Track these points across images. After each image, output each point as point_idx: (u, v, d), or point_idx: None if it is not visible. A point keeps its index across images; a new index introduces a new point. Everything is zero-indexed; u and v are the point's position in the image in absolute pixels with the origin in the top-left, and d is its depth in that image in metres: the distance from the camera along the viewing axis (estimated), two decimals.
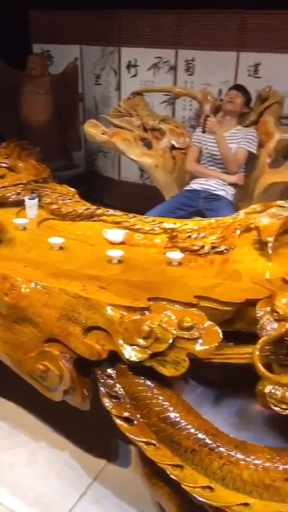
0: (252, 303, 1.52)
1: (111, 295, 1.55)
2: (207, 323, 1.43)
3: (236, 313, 1.54)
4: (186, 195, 3.10)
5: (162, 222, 2.20)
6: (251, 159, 3.17)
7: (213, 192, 3.04)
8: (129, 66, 4.09)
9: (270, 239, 1.86)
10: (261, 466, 1.32)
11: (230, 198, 3.07)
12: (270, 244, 1.86)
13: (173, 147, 3.35)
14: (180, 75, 3.90)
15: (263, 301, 1.46)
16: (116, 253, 1.86)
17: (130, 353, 1.42)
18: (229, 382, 1.66)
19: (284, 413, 1.32)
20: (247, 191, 3.14)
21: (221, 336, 1.41)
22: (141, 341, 1.42)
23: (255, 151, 3.08)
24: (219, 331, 1.41)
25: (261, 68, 3.57)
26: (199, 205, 3.05)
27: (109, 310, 1.49)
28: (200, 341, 1.40)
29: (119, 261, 1.86)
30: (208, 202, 3.02)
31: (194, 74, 3.85)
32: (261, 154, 3.14)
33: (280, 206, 2.14)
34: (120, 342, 1.44)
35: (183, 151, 3.33)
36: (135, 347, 1.43)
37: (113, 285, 1.64)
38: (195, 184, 3.14)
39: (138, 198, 4.40)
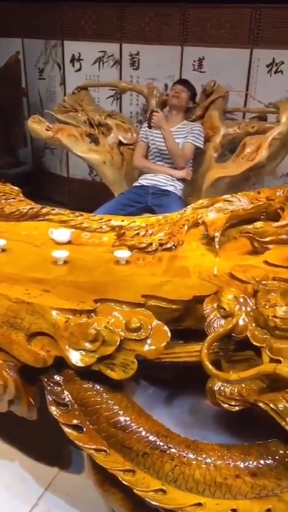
0: (200, 300, 1.50)
1: (55, 299, 1.49)
2: (155, 322, 1.40)
3: (184, 310, 1.51)
4: (134, 191, 3.07)
5: (110, 220, 2.16)
6: (198, 154, 3.18)
7: (162, 187, 3.02)
8: (73, 60, 4.00)
9: (217, 234, 1.86)
10: (212, 465, 1.31)
11: (178, 193, 3.06)
12: (216, 239, 1.85)
13: (120, 143, 3.31)
14: (125, 69, 3.84)
15: (210, 298, 1.44)
16: (61, 254, 1.80)
17: (77, 358, 1.37)
18: (180, 381, 1.65)
19: (234, 410, 1.32)
20: (195, 186, 3.15)
21: (169, 335, 1.38)
22: (87, 345, 1.37)
23: (202, 146, 3.09)
24: (167, 330, 1.38)
25: (206, 62, 3.58)
26: (148, 202, 3.03)
27: (54, 315, 1.43)
28: (148, 341, 1.37)
29: (65, 262, 1.80)
30: (157, 198, 3.00)
31: (139, 69, 3.81)
32: (208, 149, 3.16)
33: (226, 200, 2.15)
34: (66, 347, 1.39)
35: (131, 146, 3.30)
36: (81, 351, 1.37)
37: (58, 287, 1.58)
38: (143, 180, 3.11)
39: (88, 195, 4.32)
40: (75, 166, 4.31)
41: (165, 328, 1.39)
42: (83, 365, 1.37)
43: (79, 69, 4.00)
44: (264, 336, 1.28)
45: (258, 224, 1.81)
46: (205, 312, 1.40)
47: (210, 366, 1.26)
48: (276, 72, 3.42)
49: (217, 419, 1.52)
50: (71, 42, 3.95)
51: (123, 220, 2.15)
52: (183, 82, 3.26)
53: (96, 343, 1.37)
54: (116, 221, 2.15)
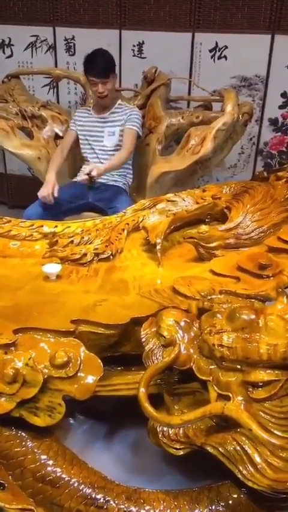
0: (138, 322, 1.31)
1: None
2: (86, 354, 1.19)
3: (121, 335, 1.32)
4: (73, 187, 2.79)
5: (42, 226, 1.93)
6: (141, 147, 2.97)
7: (103, 182, 2.78)
8: (2, 46, 3.66)
9: (159, 241, 1.67)
10: None
11: (121, 185, 2.82)
12: (158, 247, 1.67)
13: (57, 136, 3.04)
14: (60, 55, 3.54)
15: (147, 322, 1.25)
16: None
17: None
18: (121, 412, 1.46)
19: (178, 454, 1.14)
20: (140, 181, 2.94)
21: (102, 369, 1.18)
22: (5, 388, 1.15)
23: (141, 133, 2.85)
24: (100, 364, 1.19)
25: (146, 47, 3.34)
26: (89, 198, 2.79)
27: None
28: (78, 378, 1.16)
29: None
30: (98, 194, 2.76)
31: (76, 54, 3.53)
32: (151, 141, 2.95)
33: (169, 200, 1.97)
34: None
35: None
36: None
37: None
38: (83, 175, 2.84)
39: (30, 192, 4.01)
40: (12, 161, 3.98)
41: (98, 361, 1.19)
42: (1, 412, 1.15)
43: (10, 56, 3.67)
44: (211, 367, 1.11)
45: (203, 228, 1.63)
46: (143, 340, 1.20)
47: (149, 408, 1.07)
48: (220, 57, 3.24)
49: (163, 456, 1.34)
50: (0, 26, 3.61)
51: (56, 226, 1.92)
52: (98, 72, 2.63)
53: (16, 385, 1.15)
54: (49, 227, 1.93)
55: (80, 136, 2.84)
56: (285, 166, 2.16)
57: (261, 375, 1.03)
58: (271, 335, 1.04)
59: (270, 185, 1.87)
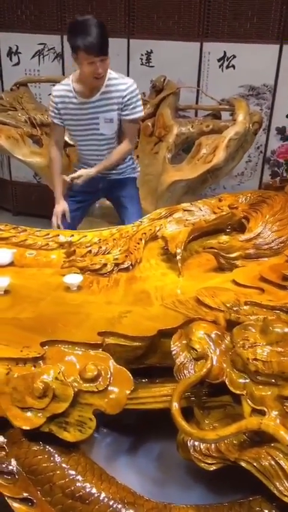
0: (165, 334, 1.30)
1: None
2: (115, 367, 1.18)
3: (147, 347, 1.30)
4: (81, 190, 2.50)
5: (58, 235, 1.92)
6: (150, 154, 2.97)
7: (114, 177, 2.50)
8: (10, 54, 3.67)
9: (179, 251, 1.67)
10: None
11: (134, 174, 2.58)
12: (179, 257, 1.66)
13: (66, 144, 3.03)
14: (68, 63, 3.56)
15: (177, 335, 1.24)
16: (0, 281, 1.54)
17: (22, 419, 1.13)
18: (144, 424, 1.44)
19: (210, 469, 1.13)
20: (149, 189, 2.94)
21: (132, 383, 1.17)
22: (35, 402, 1.13)
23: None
24: (131, 377, 1.17)
25: (154, 56, 3.36)
26: (100, 195, 2.65)
27: None
28: (109, 392, 1.15)
29: (6, 292, 1.54)
30: (111, 190, 2.54)
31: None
32: (161, 149, 2.96)
33: (186, 210, 1.97)
34: (9, 405, 1.14)
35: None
36: (28, 410, 1.14)
37: None
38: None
39: (35, 199, 4.03)
40: (18, 169, 3.98)
41: (128, 374, 1.18)
42: (30, 427, 1.13)
43: (17, 64, 3.68)
44: (244, 381, 1.10)
45: (224, 238, 1.64)
46: (173, 353, 1.19)
47: (183, 423, 1.05)
48: (228, 67, 3.25)
49: (189, 470, 1.33)
50: (7, 33, 3.61)
51: (72, 235, 1.91)
52: (98, 48, 2.07)
53: (46, 399, 1.13)
54: (65, 236, 1.91)
55: (68, 128, 2.42)
56: None
57: None
58: None
59: (287, 195, 1.87)
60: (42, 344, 1.23)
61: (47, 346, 1.23)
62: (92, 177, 2.38)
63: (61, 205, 2.42)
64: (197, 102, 3.38)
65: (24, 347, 1.22)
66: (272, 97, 3.27)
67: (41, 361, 1.20)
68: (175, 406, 1.08)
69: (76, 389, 1.14)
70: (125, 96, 2.26)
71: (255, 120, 2.73)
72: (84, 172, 2.36)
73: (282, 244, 1.69)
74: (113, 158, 2.39)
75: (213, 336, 1.16)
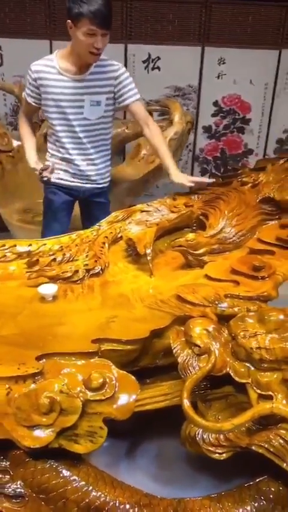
0: (156, 334, 1.32)
1: None
2: (118, 373, 1.17)
3: (141, 349, 1.31)
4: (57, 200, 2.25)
5: (15, 245, 1.83)
6: None
7: (100, 184, 2.25)
8: None
9: (149, 251, 1.69)
10: None
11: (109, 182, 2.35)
12: (149, 257, 1.68)
13: None
14: None
15: (174, 333, 1.26)
16: None
17: (31, 438, 1.09)
18: (137, 426, 1.45)
19: (221, 458, 1.17)
20: None
21: (138, 386, 1.17)
22: (42, 419, 1.10)
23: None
24: (135, 380, 1.17)
25: None
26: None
27: None
28: (116, 398, 1.14)
29: None
30: (92, 201, 2.29)
31: (4, 65, 3.42)
32: None
33: (143, 211, 1.99)
34: (14, 426, 1.09)
35: (9, 154, 2.92)
36: (35, 428, 1.10)
37: None
38: (66, 180, 2.23)
39: None
40: None
41: (132, 378, 1.18)
42: (39, 445, 1.09)
43: None
44: (248, 370, 1.15)
45: (191, 236, 1.68)
46: (174, 352, 1.21)
47: (198, 418, 1.08)
48: (153, 68, 3.33)
49: (190, 464, 1.37)
50: None
51: (30, 245, 1.84)
52: (104, 20, 1.88)
53: (53, 414, 1.10)
54: (22, 246, 1.84)
55: (45, 107, 2.13)
56: (239, 171, 2.28)
57: None
58: None
59: (239, 191, 1.97)
60: (38, 358, 1.19)
61: (43, 360, 1.19)
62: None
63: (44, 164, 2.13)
64: None
65: (20, 364, 1.17)
66: (197, 97, 3.40)
67: (40, 376, 1.16)
68: (186, 403, 1.10)
69: (83, 400, 1.12)
70: (118, 77, 2.08)
71: (188, 120, 2.83)
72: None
73: (243, 237, 1.78)
74: (165, 146, 2.18)
75: (211, 330, 1.20)
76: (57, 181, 2.22)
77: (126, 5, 3.18)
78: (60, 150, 2.19)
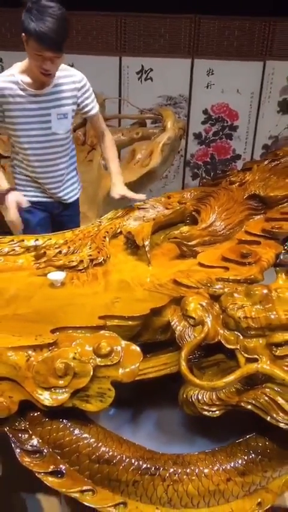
0: (155, 312, 1.48)
1: (6, 337, 1.32)
2: (124, 343, 1.33)
3: (142, 325, 1.48)
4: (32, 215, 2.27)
5: (22, 240, 2.00)
6: (85, 162, 3.13)
7: (68, 201, 2.34)
8: None
9: (147, 243, 1.85)
10: (203, 475, 1.31)
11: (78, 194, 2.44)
12: (147, 248, 1.85)
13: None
14: None
15: (171, 309, 1.43)
16: None
17: (48, 398, 1.24)
18: (138, 396, 1.61)
19: (215, 415, 1.33)
20: (87, 195, 3.08)
21: (141, 354, 1.33)
22: (57, 381, 1.25)
23: None
24: (138, 349, 1.33)
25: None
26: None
27: (11, 355, 1.27)
28: (122, 364, 1.30)
29: None
30: (65, 215, 2.38)
31: None
32: (95, 157, 3.13)
33: (140, 208, 2.17)
34: (34, 388, 1.25)
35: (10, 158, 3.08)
36: (52, 390, 1.25)
37: (2, 324, 1.42)
38: (37, 197, 2.25)
39: None
40: None
41: (136, 347, 1.34)
42: (56, 404, 1.25)
43: None
44: (237, 337, 1.32)
45: (185, 229, 1.85)
46: (172, 324, 1.38)
47: (194, 378, 1.25)
48: (146, 79, 3.53)
49: (187, 427, 1.52)
50: None
51: (37, 240, 2.01)
52: (54, 44, 1.80)
53: (67, 377, 1.26)
54: (29, 241, 2.00)
55: (9, 127, 2.08)
56: (228, 173, 2.46)
57: (283, 336, 1.26)
58: (284, 303, 1.29)
59: (228, 189, 2.15)
60: (53, 331, 1.35)
61: (57, 333, 1.35)
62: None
63: (14, 195, 2.03)
64: (119, 113, 3.61)
65: (37, 335, 1.33)
66: (187, 106, 3.61)
67: (54, 346, 1.31)
68: (184, 365, 1.27)
69: (93, 365, 1.28)
70: (81, 87, 2.08)
71: (180, 126, 3.02)
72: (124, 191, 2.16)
73: (231, 230, 1.95)
74: (115, 155, 2.22)
75: (204, 305, 1.37)
76: (30, 199, 2.18)
77: (121, 20, 3.38)
78: (29, 168, 2.18)
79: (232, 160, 3.80)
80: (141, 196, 2.20)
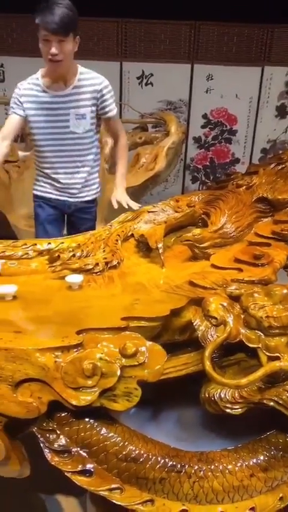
0: (174, 313, 1.52)
1: (34, 339, 1.34)
2: (148, 343, 1.36)
3: (162, 326, 1.51)
4: (46, 213, 2.40)
5: (35, 244, 2.02)
6: None
7: (80, 199, 2.41)
8: None
9: (160, 245, 1.89)
10: (227, 471, 1.35)
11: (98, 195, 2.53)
12: (161, 250, 1.88)
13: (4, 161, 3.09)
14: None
15: (192, 311, 1.47)
16: (7, 289, 1.62)
17: (77, 398, 1.27)
18: (158, 397, 1.64)
19: (237, 413, 1.37)
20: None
21: (165, 354, 1.36)
22: (86, 381, 1.28)
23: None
24: (163, 349, 1.37)
25: None
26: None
27: (39, 356, 1.29)
28: (147, 364, 1.33)
29: (14, 298, 1.63)
30: (78, 217, 2.45)
31: (6, 81, 3.62)
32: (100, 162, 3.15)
33: (150, 211, 2.20)
34: (63, 388, 1.27)
35: (15, 164, 3.11)
36: (81, 390, 1.28)
37: (26, 325, 1.44)
38: (51, 194, 2.38)
39: None
40: None
41: (160, 347, 1.37)
42: (85, 404, 1.27)
43: None
44: (258, 336, 1.36)
45: (197, 231, 1.89)
46: (195, 325, 1.42)
47: (218, 376, 1.29)
48: (146, 84, 3.58)
49: (207, 425, 1.56)
50: None
51: (49, 243, 2.03)
52: (53, 24, 1.96)
53: (95, 377, 1.28)
54: (42, 245, 2.02)
55: (31, 124, 2.26)
56: (232, 176, 2.51)
57: None
58: None
59: (236, 192, 2.19)
60: (78, 333, 1.37)
61: (83, 334, 1.37)
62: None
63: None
64: (120, 117, 3.64)
65: (64, 337, 1.35)
66: (187, 110, 3.66)
67: (81, 347, 1.34)
68: (208, 364, 1.30)
69: (119, 365, 1.31)
70: (101, 90, 2.20)
71: (182, 131, 3.07)
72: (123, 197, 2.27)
73: (241, 232, 2.00)
74: (124, 156, 2.32)
75: (225, 305, 1.41)
76: (43, 194, 2.35)
77: (122, 27, 3.42)
78: (45, 164, 2.33)
79: (231, 164, 3.86)
80: (136, 205, 2.28)
